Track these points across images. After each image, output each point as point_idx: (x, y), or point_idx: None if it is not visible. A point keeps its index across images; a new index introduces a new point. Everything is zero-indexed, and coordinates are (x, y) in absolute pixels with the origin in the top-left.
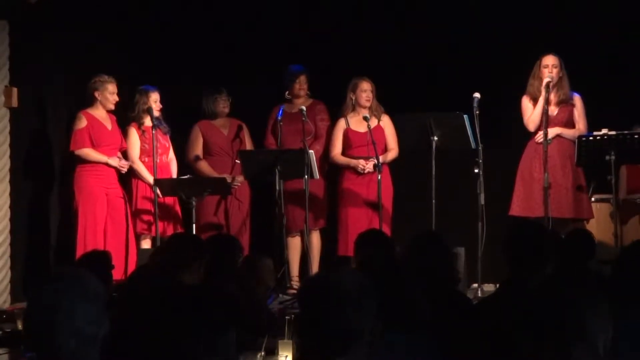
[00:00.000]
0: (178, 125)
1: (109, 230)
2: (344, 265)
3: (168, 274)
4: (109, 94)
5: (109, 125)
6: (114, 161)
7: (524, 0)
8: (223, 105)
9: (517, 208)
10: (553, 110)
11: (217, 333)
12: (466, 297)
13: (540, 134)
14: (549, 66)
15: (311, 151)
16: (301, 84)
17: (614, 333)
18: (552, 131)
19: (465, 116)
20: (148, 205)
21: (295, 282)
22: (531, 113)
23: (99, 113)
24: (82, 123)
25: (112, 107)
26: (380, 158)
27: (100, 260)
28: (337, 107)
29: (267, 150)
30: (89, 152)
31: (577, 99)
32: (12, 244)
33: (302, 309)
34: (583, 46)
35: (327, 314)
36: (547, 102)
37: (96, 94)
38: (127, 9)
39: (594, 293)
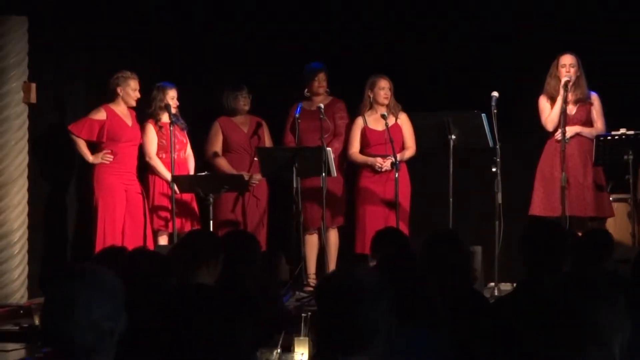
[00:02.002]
0: (196, 121)
1: (127, 226)
2: (361, 262)
3: (185, 272)
4: (131, 90)
5: (129, 121)
6: (96, 160)
7: None
8: (243, 102)
9: (538, 208)
10: (571, 110)
11: (236, 334)
12: (482, 296)
13: (560, 132)
14: (567, 65)
15: (329, 149)
16: (320, 82)
17: (632, 333)
18: (571, 129)
19: (483, 115)
20: (165, 202)
21: (312, 280)
22: (549, 113)
23: (120, 109)
24: (99, 115)
25: (134, 103)
26: (398, 156)
27: (118, 256)
28: (356, 105)
29: (285, 148)
30: (79, 143)
31: (594, 97)
32: (29, 240)
33: (319, 306)
34: (600, 45)
35: (344, 311)
36: (566, 101)
37: (118, 90)
38: (147, 5)
39: (609, 292)
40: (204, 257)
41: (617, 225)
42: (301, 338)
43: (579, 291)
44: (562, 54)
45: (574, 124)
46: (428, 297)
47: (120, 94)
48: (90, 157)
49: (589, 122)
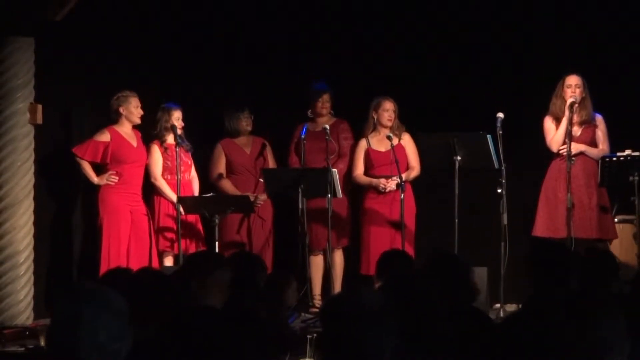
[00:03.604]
0: (199, 143)
1: (132, 247)
2: (366, 284)
3: (192, 294)
4: (134, 107)
5: (134, 142)
6: (101, 181)
7: (548, 20)
8: (246, 123)
9: (541, 228)
10: (576, 131)
11: (241, 356)
12: (484, 314)
13: (565, 147)
14: (572, 86)
15: (334, 170)
16: (324, 103)
17: (631, 352)
18: (576, 147)
19: (488, 136)
20: (170, 223)
21: (318, 301)
22: (554, 134)
23: (125, 130)
24: (103, 137)
25: (138, 121)
26: (403, 176)
27: (123, 276)
28: (359, 126)
29: (291, 169)
30: (83, 165)
31: (599, 119)
32: (35, 261)
33: (324, 327)
34: (606, 66)
35: (349, 332)
36: (571, 122)
37: (121, 110)
38: (150, 27)
39: (613, 313)
40: (211, 278)
41: (623, 247)
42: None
43: (581, 311)
44: (568, 75)
45: (576, 149)
46: (433, 319)
47: (124, 113)
48: (95, 179)
49: (593, 144)
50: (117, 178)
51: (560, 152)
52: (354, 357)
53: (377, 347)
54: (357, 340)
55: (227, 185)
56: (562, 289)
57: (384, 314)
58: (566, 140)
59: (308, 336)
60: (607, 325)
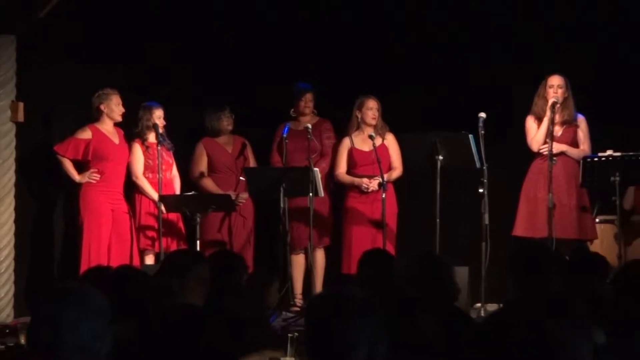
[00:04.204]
0: (179, 142)
1: (113, 245)
2: (347, 282)
3: (173, 292)
4: (115, 105)
5: (116, 140)
6: (83, 179)
7: (531, 20)
8: (227, 122)
9: (521, 228)
10: (557, 131)
11: (219, 354)
12: (465, 313)
13: (546, 146)
14: (555, 86)
15: (316, 169)
16: (306, 102)
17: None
18: (558, 146)
19: (470, 136)
20: (152, 221)
21: (299, 300)
22: (535, 133)
23: (107, 127)
24: (84, 135)
25: (120, 118)
26: (385, 176)
27: (103, 275)
28: (343, 125)
29: (273, 168)
30: (65, 163)
31: (581, 120)
32: (16, 258)
33: (309, 326)
34: (589, 66)
35: (334, 329)
36: (553, 122)
37: (102, 107)
38: (132, 26)
39: (578, 313)
40: (190, 274)
41: (604, 247)
42: (287, 358)
43: (553, 314)
44: (551, 75)
45: (557, 149)
46: (410, 318)
47: (105, 110)
48: (77, 177)
49: (574, 144)
50: (99, 176)
51: (541, 151)
52: (338, 353)
53: (360, 343)
54: (341, 337)
55: (209, 184)
56: (542, 289)
57: (368, 310)
58: (547, 140)
59: (289, 335)
60: (571, 325)
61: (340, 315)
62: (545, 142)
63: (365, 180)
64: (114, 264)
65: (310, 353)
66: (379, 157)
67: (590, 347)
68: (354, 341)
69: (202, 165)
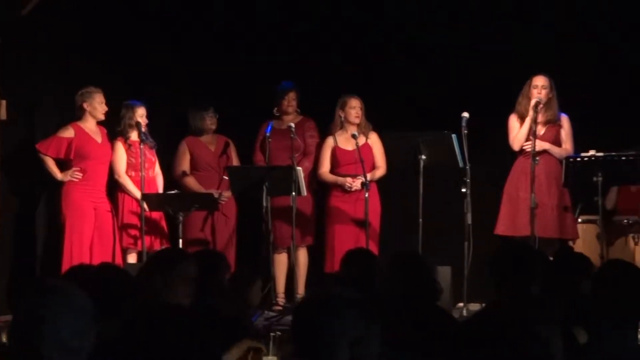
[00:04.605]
0: (162, 141)
1: (96, 244)
2: (330, 281)
3: (155, 291)
4: (98, 103)
5: (98, 139)
6: (65, 177)
7: (515, 20)
8: (210, 122)
9: (502, 227)
10: (540, 130)
11: (201, 353)
12: (447, 313)
13: (529, 143)
14: (539, 87)
15: (299, 168)
16: (289, 101)
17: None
18: (540, 144)
19: (453, 135)
20: (134, 220)
21: (281, 299)
22: (517, 132)
23: (89, 126)
24: (67, 133)
25: (102, 117)
26: (368, 176)
27: (85, 273)
28: (326, 125)
29: (255, 167)
30: (47, 161)
31: (564, 119)
32: None
33: (297, 323)
34: (572, 66)
35: (320, 327)
36: (535, 122)
37: (85, 106)
38: (116, 24)
39: (548, 312)
40: (175, 272)
41: (586, 247)
42: (270, 357)
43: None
44: (536, 75)
45: (540, 147)
46: (391, 316)
47: (88, 109)
48: (59, 175)
49: (557, 144)
50: (81, 174)
51: (524, 148)
52: (324, 351)
53: (344, 342)
54: (326, 336)
55: (191, 183)
56: (525, 291)
57: (354, 309)
58: (530, 138)
59: (271, 334)
60: (544, 327)
61: (325, 314)
62: (526, 142)
63: (348, 179)
64: (96, 262)
65: (297, 351)
66: (362, 156)
67: (560, 346)
68: (339, 340)
69: (185, 163)
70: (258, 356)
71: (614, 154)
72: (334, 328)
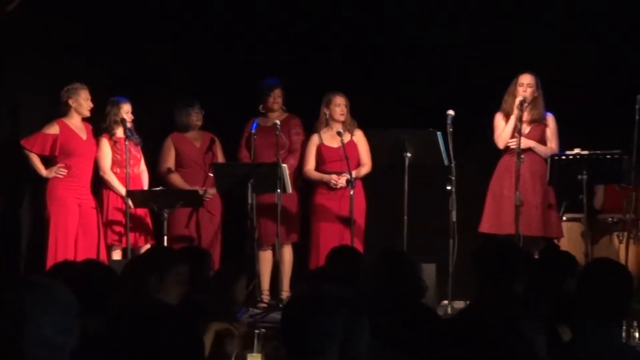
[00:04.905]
0: (148, 138)
1: (80, 240)
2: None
3: (142, 289)
4: (83, 100)
5: (83, 135)
6: (50, 174)
7: (502, 19)
8: (196, 118)
9: (486, 225)
10: (525, 129)
11: (186, 350)
12: (432, 310)
13: (514, 141)
14: (524, 85)
15: (284, 165)
16: (275, 98)
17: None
18: (525, 142)
19: (438, 133)
20: (119, 217)
21: (266, 296)
22: (502, 130)
23: (74, 122)
24: (52, 130)
25: (88, 113)
26: (353, 173)
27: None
28: (312, 122)
29: (240, 164)
30: (32, 157)
31: (550, 118)
32: None
33: (287, 320)
34: (557, 64)
35: (308, 324)
36: (520, 120)
37: (70, 102)
38: (101, 20)
39: (532, 311)
40: (160, 274)
41: (571, 245)
42: (254, 354)
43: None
44: (522, 73)
45: (525, 144)
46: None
47: (73, 105)
48: (44, 172)
49: (542, 142)
50: (66, 171)
51: (509, 145)
52: (313, 349)
53: (334, 339)
54: (316, 333)
55: (176, 179)
56: (509, 289)
57: (338, 304)
58: (515, 136)
59: (256, 331)
60: (528, 324)
61: (314, 312)
62: (513, 138)
63: (333, 176)
64: (81, 259)
65: (286, 349)
66: (347, 153)
67: (545, 344)
68: (328, 338)
69: (170, 160)
70: (232, 340)
71: (598, 152)
72: (323, 326)
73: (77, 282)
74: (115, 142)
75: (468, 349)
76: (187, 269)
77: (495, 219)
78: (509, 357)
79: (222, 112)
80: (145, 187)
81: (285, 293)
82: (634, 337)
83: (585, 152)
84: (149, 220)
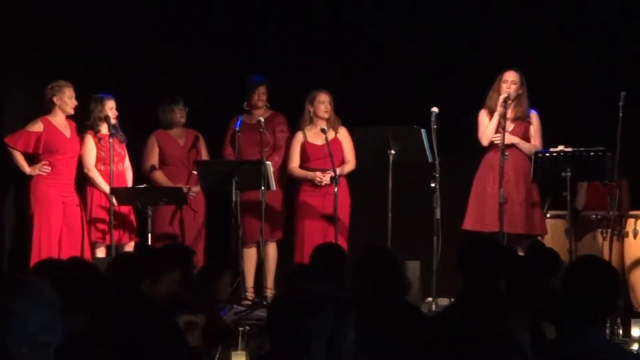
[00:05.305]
0: (133, 135)
1: (64, 238)
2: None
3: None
4: (67, 98)
5: (67, 133)
6: (33, 171)
7: (485, 15)
8: (180, 115)
9: (470, 222)
10: (508, 126)
11: (169, 347)
12: (416, 308)
13: (498, 136)
14: (508, 82)
15: (268, 162)
16: (259, 95)
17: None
18: (509, 138)
19: (422, 130)
20: (103, 214)
21: (250, 294)
22: (486, 127)
23: (58, 120)
24: (36, 127)
25: (72, 111)
26: (337, 170)
27: (53, 268)
28: (296, 120)
29: (225, 161)
30: (16, 155)
31: (533, 115)
32: None
33: (273, 318)
34: (541, 62)
35: (294, 323)
36: (504, 117)
37: (55, 99)
38: (85, 17)
39: (518, 310)
40: (156, 272)
41: (555, 242)
42: (238, 352)
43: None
44: (507, 70)
45: (509, 140)
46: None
47: (57, 103)
48: (27, 169)
49: (526, 140)
50: (50, 169)
51: (494, 140)
52: (298, 347)
53: (319, 337)
54: (301, 331)
55: (160, 177)
56: (494, 286)
57: (324, 301)
58: (500, 132)
59: (240, 329)
60: (512, 322)
61: (301, 311)
62: (497, 133)
63: (318, 173)
64: (65, 256)
65: (272, 347)
66: (331, 151)
67: (530, 342)
68: (314, 336)
69: (154, 157)
70: (193, 332)
71: (582, 149)
72: (310, 325)
73: (61, 279)
74: (99, 139)
75: (453, 347)
76: (179, 274)
77: (479, 216)
78: (494, 355)
79: (207, 109)
80: (130, 184)
81: (270, 290)
82: (618, 334)
83: (569, 149)
84: (133, 217)
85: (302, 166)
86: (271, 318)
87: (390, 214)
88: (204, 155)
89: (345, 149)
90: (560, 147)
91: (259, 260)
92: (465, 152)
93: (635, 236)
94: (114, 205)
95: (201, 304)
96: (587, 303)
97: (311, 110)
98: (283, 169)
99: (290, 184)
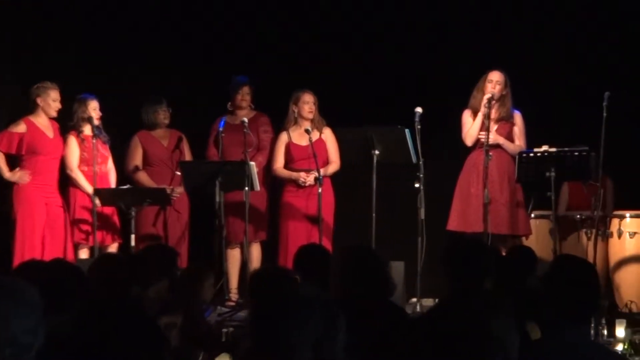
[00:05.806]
0: (116, 136)
1: (47, 239)
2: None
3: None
4: (52, 100)
5: (50, 134)
6: (12, 177)
7: (471, 15)
8: (163, 116)
9: (454, 223)
10: (492, 126)
11: (153, 349)
12: (401, 308)
13: (484, 134)
14: (493, 82)
15: (252, 163)
16: (243, 95)
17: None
18: (494, 138)
19: (406, 130)
20: (86, 215)
21: (234, 295)
22: (470, 127)
23: (41, 121)
24: (18, 128)
25: (54, 114)
26: (321, 171)
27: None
28: (281, 120)
29: (208, 162)
30: None
31: (517, 116)
32: None
33: (255, 318)
34: (525, 62)
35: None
36: (488, 117)
37: (38, 101)
38: (69, 18)
39: (504, 311)
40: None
41: (539, 242)
42: (222, 354)
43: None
44: (491, 70)
45: (494, 140)
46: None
47: (41, 104)
48: (7, 174)
49: (510, 140)
50: (29, 178)
51: (480, 138)
52: (286, 351)
53: (306, 341)
54: (287, 335)
55: (143, 178)
56: (479, 286)
57: (312, 306)
58: (484, 132)
59: (224, 330)
60: (499, 323)
61: (286, 314)
62: (478, 137)
63: (302, 173)
64: (48, 257)
65: (257, 350)
66: (316, 151)
67: (517, 342)
68: (300, 340)
69: (137, 158)
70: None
71: (566, 149)
72: (296, 328)
73: (44, 281)
74: (82, 139)
75: (438, 348)
76: (167, 282)
77: (463, 216)
78: (479, 355)
79: (190, 110)
80: (113, 185)
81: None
82: (603, 334)
83: (553, 150)
84: (116, 218)
85: (286, 167)
86: (254, 322)
87: (374, 215)
88: (187, 156)
89: (330, 149)
90: (545, 148)
91: (242, 261)
92: (449, 151)
93: (619, 236)
94: (97, 206)
95: (181, 304)
96: (570, 303)
97: (295, 110)
98: (267, 170)
99: (274, 184)
